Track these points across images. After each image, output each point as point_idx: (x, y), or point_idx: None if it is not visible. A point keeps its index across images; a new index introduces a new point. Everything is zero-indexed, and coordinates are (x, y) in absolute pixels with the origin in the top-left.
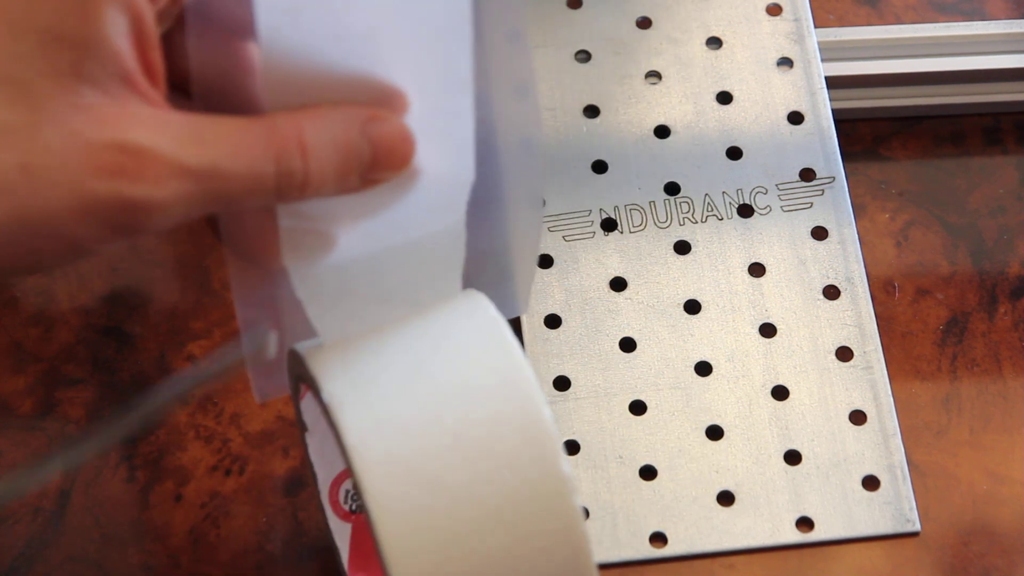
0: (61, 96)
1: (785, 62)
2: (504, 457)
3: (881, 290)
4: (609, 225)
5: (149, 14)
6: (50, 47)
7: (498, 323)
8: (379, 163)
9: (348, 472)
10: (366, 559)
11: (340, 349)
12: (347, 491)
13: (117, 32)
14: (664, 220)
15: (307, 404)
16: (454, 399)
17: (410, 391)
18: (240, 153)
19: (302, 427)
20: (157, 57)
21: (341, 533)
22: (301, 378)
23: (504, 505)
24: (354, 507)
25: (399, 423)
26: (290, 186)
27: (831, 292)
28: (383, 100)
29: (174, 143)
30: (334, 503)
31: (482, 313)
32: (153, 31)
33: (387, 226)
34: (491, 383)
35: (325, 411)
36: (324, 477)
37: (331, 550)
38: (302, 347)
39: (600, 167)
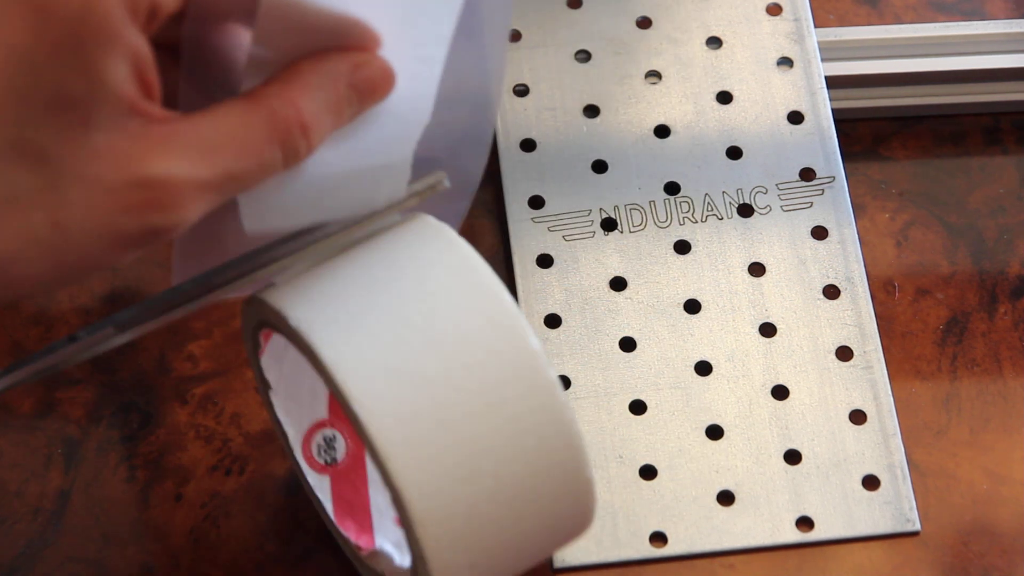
0: (75, 151)
1: (785, 62)
2: (475, 343)
3: (881, 290)
4: (609, 225)
5: (147, 49)
6: (58, 110)
7: (443, 229)
8: (364, 102)
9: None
10: (350, 506)
11: (296, 282)
12: (319, 445)
13: (121, 79)
14: (664, 220)
15: (268, 359)
16: (416, 300)
17: (372, 301)
18: (248, 150)
19: (264, 386)
20: (154, 77)
21: (321, 486)
22: (263, 324)
23: (483, 388)
24: (328, 459)
25: (369, 330)
26: (296, 160)
27: (831, 292)
28: (361, 38)
29: (188, 162)
30: (308, 458)
31: (422, 223)
32: (151, 61)
33: (341, 153)
34: (449, 281)
35: (295, 340)
36: (295, 434)
37: (329, 548)
38: (258, 294)
39: (600, 167)
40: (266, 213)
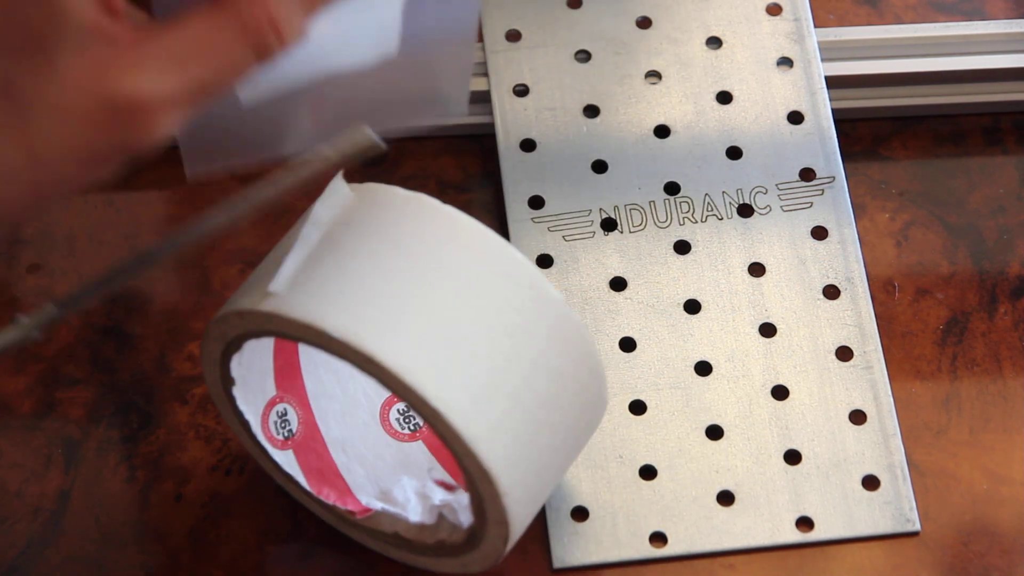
0: (41, 80)
1: (785, 62)
2: (505, 307)
3: (881, 290)
4: (609, 225)
5: None
6: (18, 42)
7: (420, 198)
8: None
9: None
10: (320, 473)
11: (306, 288)
12: (275, 421)
13: (80, 5)
14: (664, 220)
15: (239, 361)
16: (438, 280)
17: (401, 292)
18: (218, 55)
19: (227, 384)
20: None
21: (288, 462)
22: (247, 336)
23: (526, 347)
24: (285, 433)
25: (415, 326)
26: (269, 56)
27: (831, 292)
28: None
29: (157, 75)
30: (270, 438)
31: (401, 198)
32: None
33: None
34: (460, 253)
35: (336, 350)
36: (254, 419)
37: (329, 548)
38: (247, 304)
39: (600, 167)
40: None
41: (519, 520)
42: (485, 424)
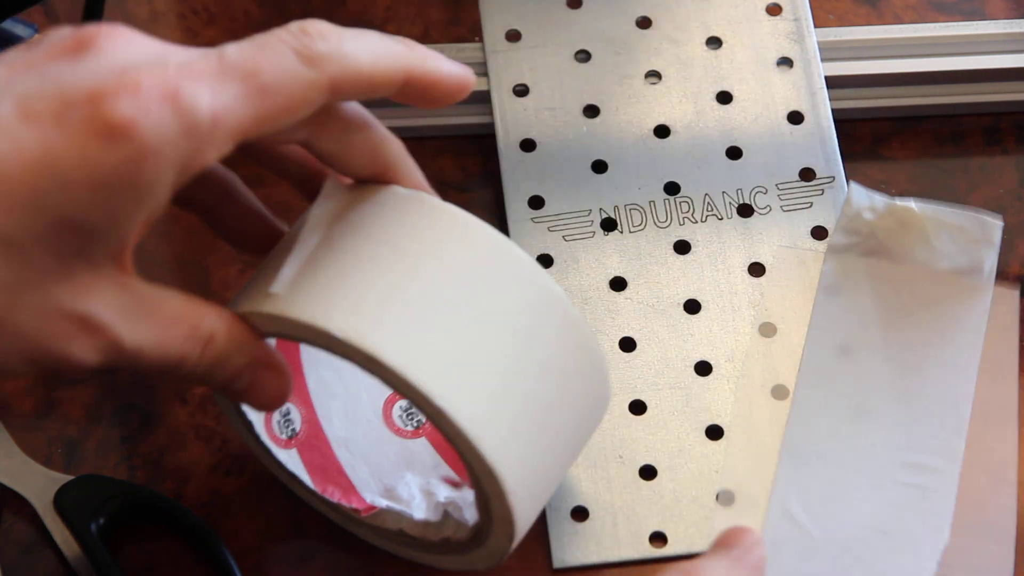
0: (55, 270)
1: (785, 62)
2: (508, 303)
3: None
4: (609, 225)
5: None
6: (65, 232)
7: (422, 197)
8: None
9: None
10: (324, 472)
11: (307, 287)
12: (277, 420)
13: (132, 225)
14: (664, 220)
15: None
16: (440, 279)
17: (404, 292)
18: (165, 342)
19: None
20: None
21: (292, 461)
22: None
23: (530, 345)
24: (288, 432)
25: (418, 324)
26: (189, 372)
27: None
28: None
29: (120, 319)
30: (273, 437)
31: (393, 194)
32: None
33: None
34: (460, 250)
35: (337, 349)
36: (257, 419)
37: (329, 548)
38: (249, 306)
39: (600, 167)
40: None
41: (525, 518)
42: (488, 421)
